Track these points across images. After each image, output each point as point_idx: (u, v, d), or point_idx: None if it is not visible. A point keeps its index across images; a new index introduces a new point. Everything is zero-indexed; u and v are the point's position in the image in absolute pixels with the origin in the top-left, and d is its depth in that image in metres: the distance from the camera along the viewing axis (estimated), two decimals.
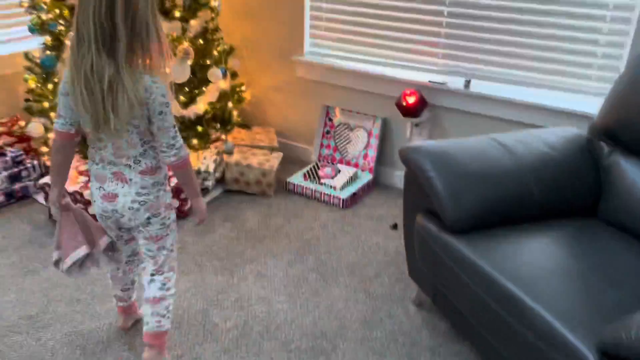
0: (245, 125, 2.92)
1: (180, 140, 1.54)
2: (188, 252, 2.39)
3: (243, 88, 3.27)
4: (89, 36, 1.36)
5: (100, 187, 1.59)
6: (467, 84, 2.61)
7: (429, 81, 2.70)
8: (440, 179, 1.76)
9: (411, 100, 2.66)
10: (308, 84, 3.17)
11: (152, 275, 1.71)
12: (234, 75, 3.09)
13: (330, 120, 3.11)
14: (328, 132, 3.12)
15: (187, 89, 2.67)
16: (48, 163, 2.75)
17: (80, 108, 1.44)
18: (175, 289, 1.76)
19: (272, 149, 3.11)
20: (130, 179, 1.56)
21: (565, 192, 1.86)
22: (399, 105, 2.71)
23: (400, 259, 2.37)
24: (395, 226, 2.62)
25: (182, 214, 2.61)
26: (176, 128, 1.53)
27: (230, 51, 3.06)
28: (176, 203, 2.58)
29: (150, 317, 1.70)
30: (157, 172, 1.59)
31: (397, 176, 3.00)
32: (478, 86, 2.61)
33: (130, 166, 1.54)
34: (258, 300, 2.11)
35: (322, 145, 3.14)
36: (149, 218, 1.62)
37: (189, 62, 2.59)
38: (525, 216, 1.81)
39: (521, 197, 1.80)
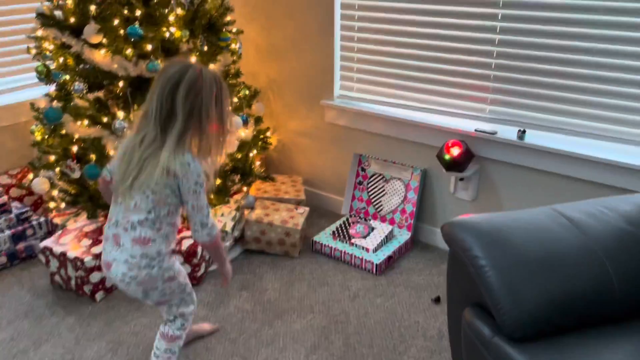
0: (268, 177, 2.64)
1: (212, 220, 1.59)
2: None
3: (268, 134, 3.01)
4: (152, 111, 1.49)
5: (104, 249, 1.64)
6: (522, 134, 2.24)
7: (476, 130, 2.36)
8: (495, 269, 1.40)
9: (455, 152, 2.32)
10: (339, 130, 2.87)
11: (168, 321, 1.78)
12: (258, 120, 2.83)
13: (363, 170, 2.80)
14: (360, 183, 2.80)
15: None
16: (55, 220, 2.54)
17: (118, 162, 1.57)
18: (190, 321, 1.80)
19: (298, 202, 2.81)
20: (122, 244, 1.57)
21: None
22: (440, 158, 2.37)
23: (444, 344, 2.00)
24: (438, 299, 2.25)
25: (194, 281, 2.33)
26: (209, 209, 1.58)
27: (254, 94, 2.81)
28: (188, 269, 2.31)
29: (163, 353, 1.76)
30: (149, 244, 1.56)
31: (439, 235, 2.64)
32: (534, 137, 2.24)
33: (126, 229, 1.56)
34: None
35: (353, 197, 2.82)
36: (145, 292, 1.62)
37: None
38: (602, 316, 1.43)
39: (597, 291, 1.42)
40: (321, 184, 3.05)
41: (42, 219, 2.58)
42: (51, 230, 2.59)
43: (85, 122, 2.26)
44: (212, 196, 2.50)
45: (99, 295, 2.24)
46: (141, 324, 2.12)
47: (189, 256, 2.28)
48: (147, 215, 1.54)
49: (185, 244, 2.30)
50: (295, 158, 3.12)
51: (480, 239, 1.47)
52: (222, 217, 2.54)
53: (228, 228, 2.48)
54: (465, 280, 1.51)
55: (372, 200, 2.77)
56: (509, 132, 2.30)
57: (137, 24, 2.14)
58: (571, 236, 1.50)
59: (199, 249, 2.30)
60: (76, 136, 2.31)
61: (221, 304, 2.24)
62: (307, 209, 2.67)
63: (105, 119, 2.25)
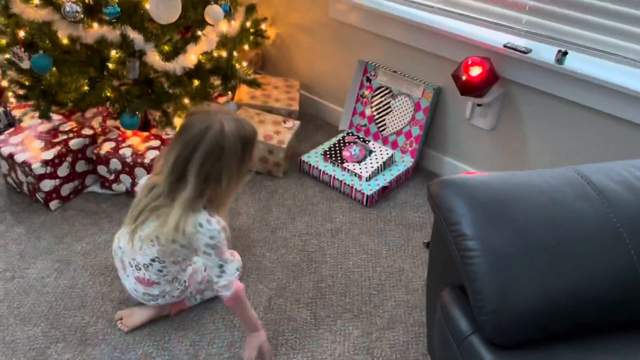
0: (254, 82, 2.26)
1: (229, 277, 1.42)
2: None
3: (264, 26, 2.57)
4: (167, 166, 1.37)
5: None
6: (562, 56, 1.77)
7: (505, 45, 1.89)
8: (485, 256, 1.07)
9: (475, 72, 1.88)
10: (344, 29, 2.41)
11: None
12: (250, 8, 2.38)
13: (369, 80, 2.38)
14: (363, 96, 2.40)
15: (172, 33, 2.02)
16: (14, 112, 2.27)
17: (138, 193, 1.49)
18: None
19: (289, 114, 2.45)
20: (127, 275, 1.57)
21: None
22: (456, 78, 1.93)
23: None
24: (429, 244, 1.96)
25: None
26: (224, 267, 1.41)
27: None
28: None
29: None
30: (152, 285, 1.53)
31: (448, 164, 2.28)
32: (576, 61, 1.78)
33: (130, 264, 1.53)
34: (222, 348, 1.58)
35: (355, 111, 2.44)
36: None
37: None
38: (618, 321, 1.12)
39: (616, 290, 1.09)
40: (321, 91, 2.66)
41: (1, 109, 2.31)
42: (11, 122, 2.33)
43: (36, 1, 1.89)
44: (186, 101, 2.16)
45: (53, 204, 2.02)
46: (95, 243, 1.90)
47: (151, 170, 2.01)
48: (151, 262, 1.48)
49: (149, 156, 2.01)
50: (294, 58, 2.69)
51: (474, 211, 1.13)
52: None
53: None
54: (448, 255, 1.20)
55: (375, 118, 2.38)
56: (545, 52, 1.83)
57: None
58: (594, 214, 1.14)
59: None
60: (24, 18, 1.95)
61: None
62: (298, 123, 2.31)
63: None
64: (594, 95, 1.76)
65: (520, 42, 1.89)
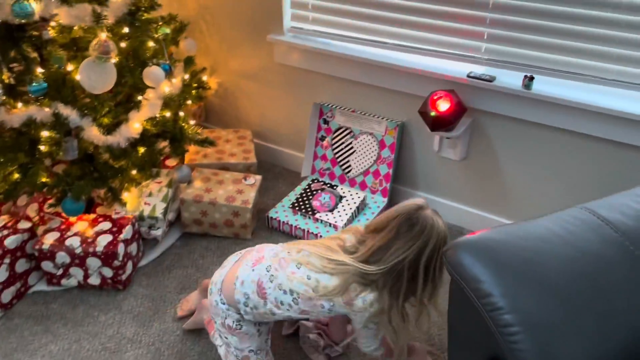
0: (206, 141, 2.08)
1: (373, 347, 1.41)
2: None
3: (205, 77, 2.41)
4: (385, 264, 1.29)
5: None
6: (529, 81, 1.74)
7: (469, 75, 1.83)
8: (526, 329, 0.96)
9: (443, 107, 1.81)
10: (292, 73, 2.29)
11: None
12: (188, 61, 2.22)
13: (326, 122, 2.26)
14: (323, 139, 2.28)
15: (111, 103, 1.81)
16: None
17: None
18: None
19: (247, 168, 2.28)
20: (253, 270, 1.41)
21: None
22: (424, 115, 1.85)
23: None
24: None
25: (119, 286, 1.84)
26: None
27: (181, 28, 2.18)
28: (110, 273, 1.81)
29: None
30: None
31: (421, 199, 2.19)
32: (543, 84, 1.74)
33: (268, 270, 1.38)
34: None
35: (315, 155, 2.31)
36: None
37: (112, 62, 1.72)
38: None
39: None
40: (275, 138, 2.51)
41: None
42: None
43: None
44: (134, 172, 1.95)
45: None
46: (51, 355, 1.64)
47: (107, 258, 1.78)
48: (290, 292, 1.37)
49: (101, 242, 1.78)
50: (242, 106, 2.54)
51: (504, 279, 1.02)
52: (151, 198, 2.00)
53: (158, 213, 1.95)
54: (478, 325, 1.08)
55: (339, 160, 2.26)
56: (510, 78, 1.79)
57: None
58: (624, 259, 1.07)
59: (120, 249, 1.79)
60: None
61: (155, 315, 1.78)
62: (259, 177, 2.15)
63: None
64: (564, 116, 1.73)
65: (482, 70, 1.84)
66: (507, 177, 1.96)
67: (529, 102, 1.77)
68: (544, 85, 1.73)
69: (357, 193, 2.15)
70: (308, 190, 2.21)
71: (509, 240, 1.10)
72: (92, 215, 1.92)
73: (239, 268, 1.41)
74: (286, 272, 1.35)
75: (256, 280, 1.37)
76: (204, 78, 2.39)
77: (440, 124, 1.81)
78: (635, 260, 1.07)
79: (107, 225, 1.87)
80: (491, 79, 1.79)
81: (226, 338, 1.44)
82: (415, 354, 1.57)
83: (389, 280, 1.28)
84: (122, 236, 1.81)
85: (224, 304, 1.41)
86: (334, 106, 2.22)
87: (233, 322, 1.41)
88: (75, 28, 1.72)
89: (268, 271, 1.37)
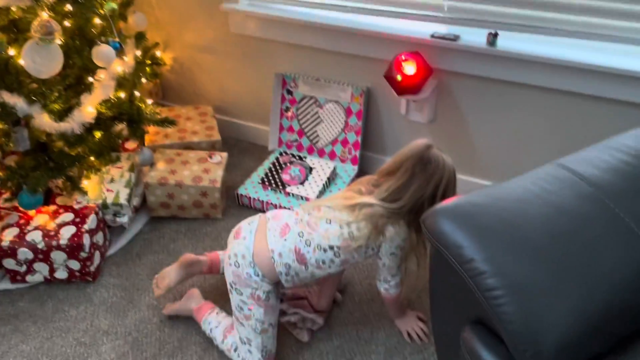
0: (166, 121, 1.99)
1: (397, 278, 1.49)
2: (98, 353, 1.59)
3: (158, 52, 2.30)
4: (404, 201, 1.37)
5: None
6: (493, 38, 1.71)
7: (432, 35, 1.79)
8: (509, 291, 0.95)
9: (409, 70, 1.77)
10: (251, 43, 2.20)
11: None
12: (139, 37, 2.10)
13: (290, 93, 2.19)
14: (287, 110, 2.22)
15: (60, 87, 1.70)
16: None
17: None
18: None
19: (212, 146, 2.21)
20: (285, 240, 1.43)
21: None
22: (390, 79, 1.81)
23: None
24: None
25: (88, 277, 1.77)
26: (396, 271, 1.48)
27: (129, 2, 2.05)
28: (77, 265, 1.73)
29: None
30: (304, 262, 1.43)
31: None
32: (508, 40, 1.72)
33: (301, 236, 1.42)
34: None
35: (281, 128, 2.25)
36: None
37: (57, 43, 1.60)
38: None
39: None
40: (238, 112, 2.43)
41: None
42: None
43: None
44: (92, 159, 1.85)
45: None
46: (23, 355, 1.57)
47: (73, 251, 1.70)
48: (329, 248, 1.43)
49: (65, 235, 1.70)
50: (200, 81, 2.44)
51: (486, 243, 1.01)
52: (113, 185, 1.92)
53: (122, 199, 1.87)
54: (461, 290, 1.07)
55: (306, 131, 2.21)
56: (474, 36, 1.76)
57: None
58: (600, 213, 1.07)
59: (85, 240, 1.71)
60: None
61: (129, 304, 1.72)
62: (225, 155, 2.08)
63: None
64: (529, 72, 1.72)
65: (446, 30, 1.81)
66: (476, 137, 1.95)
67: (494, 59, 1.74)
68: (508, 42, 1.71)
69: (327, 163, 2.12)
70: (276, 164, 2.16)
71: (488, 204, 1.08)
72: (52, 207, 1.83)
73: (266, 239, 1.41)
74: (319, 232, 1.39)
75: (293, 248, 1.40)
76: (158, 54, 2.28)
77: (407, 87, 1.78)
78: (613, 214, 1.07)
79: (69, 216, 1.78)
80: (455, 38, 1.76)
81: (249, 310, 1.42)
82: (407, 315, 1.61)
83: (412, 217, 1.37)
84: (86, 226, 1.73)
85: (257, 275, 1.40)
86: (296, 75, 2.15)
87: (263, 293, 1.41)
88: (13, 9, 1.59)
89: (302, 237, 1.40)
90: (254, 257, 1.40)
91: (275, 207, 2.00)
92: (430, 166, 1.37)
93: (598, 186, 1.11)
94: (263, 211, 2.03)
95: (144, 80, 2.15)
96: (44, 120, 1.65)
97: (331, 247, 1.39)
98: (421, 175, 1.37)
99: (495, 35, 1.71)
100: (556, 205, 1.07)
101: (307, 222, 1.41)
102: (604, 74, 1.60)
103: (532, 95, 1.78)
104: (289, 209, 1.97)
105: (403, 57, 1.76)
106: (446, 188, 1.38)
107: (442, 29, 1.81)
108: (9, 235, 1.71)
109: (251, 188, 2.07)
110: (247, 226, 1.46)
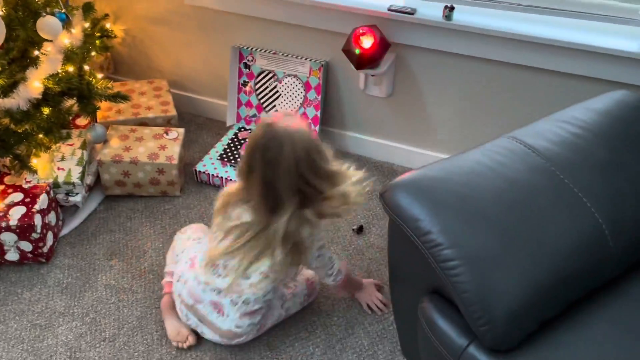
0: (119, 96, 1.92)
1: (337, 263, 1.47)
2: (54, 335, 1.56)
3: (108, 25, 2.21)
4: (257, 200, 1.29)
5: None
6: (449, 12, 1.72)
7: (389, 8, 1.79)
8: (465, 262, 0.99)
9: (367, 43, 1.76)
10: (206, 15, 2.13)
11: None
12: (88, 7, 2.00)
13: (247, 67, 2.15)
14: (245, 84, 2.18)
15: (3, 61, 1.61)
16: None
17: None
18: None
19: (168, 121, 2.15)
20: (227, 315, 1.44)
21: None
22: (348, 53, 1.80)
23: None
24: (360, 229, 1.86)
25: (42, 258, 1.72)
26: (332, 258, 1.46)
27: None
28: (29, 246, 1.68)
29: None
30: (256, 314, 1.45)
31: (351, 139, 2.18)
32: (464, 14, 1.74)
33: (235, 303, 1.42)
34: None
35: (239, 103, 2.21)
36: None
37: None
38: (596, 278, 1.11)
39: (595, 250, 1.08)
40: (194, 87, 2.37)
41: None
42: None
43: None
44: (41, 136, 1.78)
45: None
46: None
47: (24, 232, 1.64)
48: (265, 294, 1.45)
49: (14, 215, 1.64)
50: (153, 54, 2.36)
51: (442, 215, 1.03)
52: (64, 163, 1.85)
53: (74, 178, 1.81)
54: (418, 262, 1.09)
55: (264, 105, 2.18)
56: (431, 9, 1.76)
57: None
58: (551, 184, 1.11)
59: (36, 220, 1.65)
60: None
61: (86, 285, 1.68)
62: (182, 130, 2.03)
63: None
64: (485, 45, 1.75)
65: (403, 3, 1.80)
66: (433, 111, 1.98)
67: (451, 33, 1.76)
68: (464, 15, 1.73)
69: None
70: (235, 139, 2.13)
71: (443, 177, 1.11)
72: (0, 187, 1.75)
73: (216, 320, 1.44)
74: (247, 291, 1.37)
75: (240, 313, 1.40)
76: (108, 26, 2.19)
77: (365, 61, 1.78)
78: (561, 183, 1.11)
79: (18, 196, 1.71)
80: (412, 12, 1.76)
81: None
82: (364, 288, 1.62)
83: (297, 206, 1.26)
84: (37, 206, 1.67)
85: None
86: (254, 49, 2.11)
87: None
88: None
89: (236, 304, 1.39)
90: (220, 335, 1.45)
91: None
92: (280, 149, 1.20)
93: (548, 157, 1.14)
94: (223, 186, 2.01)
95: (93, 53, 2.06)
96: None
97: (268, 291, 1.40)
98: (277, 164, 1.21)
99: (452, 8, 1.71)
100: (508, 178, 1.10)
101: (229, 288, 1.37)
102: (556, 47, 1.64)
103: (487, 69, 1.80)
104: None
105: (361, 32, 1.75)
106: (310, 157, 1.23)
107: (399, 2, 1.81)
108: None
109: (210, 164, 2.04)
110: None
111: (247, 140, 1.29)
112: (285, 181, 1.23)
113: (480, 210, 1.04)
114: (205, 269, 1.40)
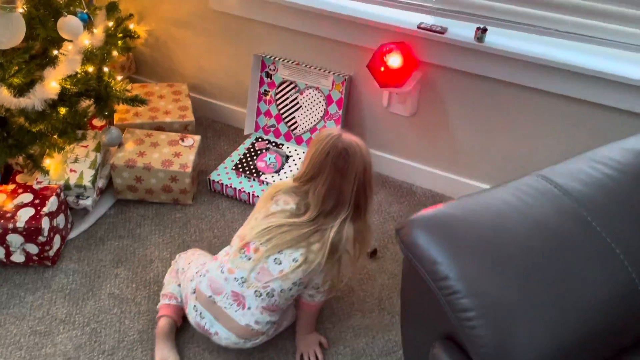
0: (137, 100, 1.89)
1: (327, 286, 1.41)
2: (54, 345, 1.52)
3: (132, 25, 2.18)
4: (317, 199, 1.34)
5: None
6: (481, 33, 1.64)
7: (419, 26, 1.72)
8: (484, 314, 0.91)
9: (394, 62, 1.69)
10: (231, 21, 2.09)
11: None
12: (112, 7, 1.97)
13: (269, 76, 2.10)
14: (266, 93, 2.13)
15: (20, 60, 1.59)
16: None
17: None
18: None
19: (185, 127, 2.11)
20: (248, 307, 1.37)
21: None
22: (373, 70, 1.74)
23: (385, 320, 1.59)
24: (374, 252, 1.80)
25: (47, 262, 1.69)
26: None
27: None
28: (36, 249, 1.65)
29: None
30: (276, 311, 1.41)
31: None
32: (497, 37, 1.66)
33: (259, 295, 1.35)
34: None
35: (258, 111, 2.16)
36: None
37: (18, 12, 1.49)
38: (627, 337, 1.03)
39: (627, 306, 0.99)
40: (215, 92, 2.33)
41: None
42: None
43: None
44: (55, 137, 1.75)
45: None
46: None
47: (30, 234, 1.61)
48: (292, 286, 1.39)
49: (22, 217, 1.61)
50: (176, 57, 2.33)
51: (462, 260, 0.96)
52: (77, 165, 1.82)
53: (86, 181, 1.78)
54: (433, 306, 1.02)
55: (284, 116, 2.13)
56: (462, 30, 1.69)
57: None
58: (580, 231, 1.03)
59: (44, 223, 1.62)
60: None
61: (89, 292, 1.65)
62: (198, 138, 1.99)
63: None
64: (516, 70, 1.66)
65: (433, 21, 1.73)
66: (458, 133, 1.90)
67: (482, 55, 1.68)
68: (497, 38, 1.65)
69: (304, 152, 2.05)
70: (252, 149, 2.08)
71: (465, 216, 1.03)
72: (11, 186, 1.73)
73: (233, 319, 1.36)
74: (275, 277, 1.33)
75: (260, 308, 1.35)
76: (131, 26, 2.16)
77: (390, 80, 1.71)
78: (592, 231, 1.03)
79: (28, 197, 1.68)
80: (443, 31, 1.69)
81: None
82: (310, 336, 1.53)
83: (348, 215, 1.34)
84: (45, 209, 1.64)
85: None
86: (277, 58, 2.06)
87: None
88: None
89: (260, 295, 1.34)
90: (236, 334, 1.37)
91: (248, 195, 1.93)
92: (351, 157, 1.31)
93: (579, 201, 1.06)
94: (236, 198, 1.97)
95: (115, 53, 2.03)
96: (2, 95, 1.54)
97: (294, 284, 1.34)
98: (346, 169, 1.31)
99: (485, 30, 1.64)
100: (535, 221, 1.02)
101: (254, 277, 1.33)
102: (593, 78, 1.55)
103: (518, 95, 1.72)
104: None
105: (387, 49, 1.69)
106: (370, 172, 1.36)
107: (429, 19, 1.74)
108: None
109: (224, 174, 1.99)
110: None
111: (310, 147, 1.36)
112: (350, 187, 1.31)
113: (504, 256, 0.97)
114: (235, 252, 1.37)
